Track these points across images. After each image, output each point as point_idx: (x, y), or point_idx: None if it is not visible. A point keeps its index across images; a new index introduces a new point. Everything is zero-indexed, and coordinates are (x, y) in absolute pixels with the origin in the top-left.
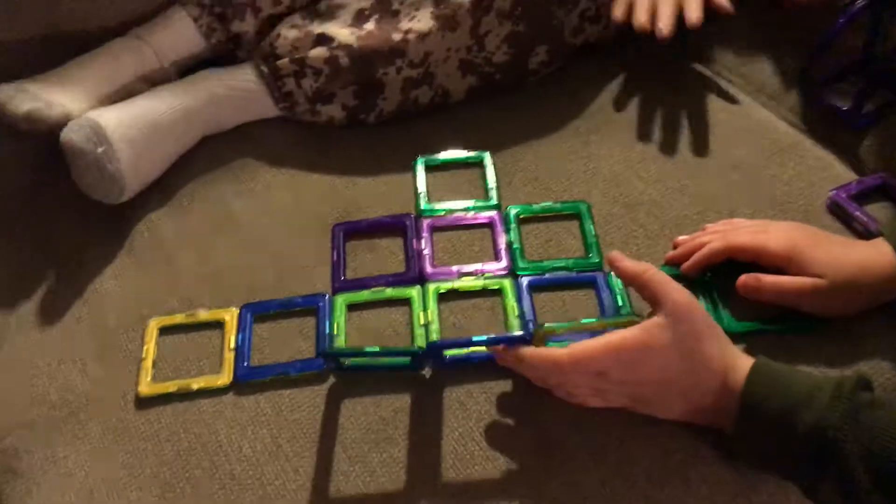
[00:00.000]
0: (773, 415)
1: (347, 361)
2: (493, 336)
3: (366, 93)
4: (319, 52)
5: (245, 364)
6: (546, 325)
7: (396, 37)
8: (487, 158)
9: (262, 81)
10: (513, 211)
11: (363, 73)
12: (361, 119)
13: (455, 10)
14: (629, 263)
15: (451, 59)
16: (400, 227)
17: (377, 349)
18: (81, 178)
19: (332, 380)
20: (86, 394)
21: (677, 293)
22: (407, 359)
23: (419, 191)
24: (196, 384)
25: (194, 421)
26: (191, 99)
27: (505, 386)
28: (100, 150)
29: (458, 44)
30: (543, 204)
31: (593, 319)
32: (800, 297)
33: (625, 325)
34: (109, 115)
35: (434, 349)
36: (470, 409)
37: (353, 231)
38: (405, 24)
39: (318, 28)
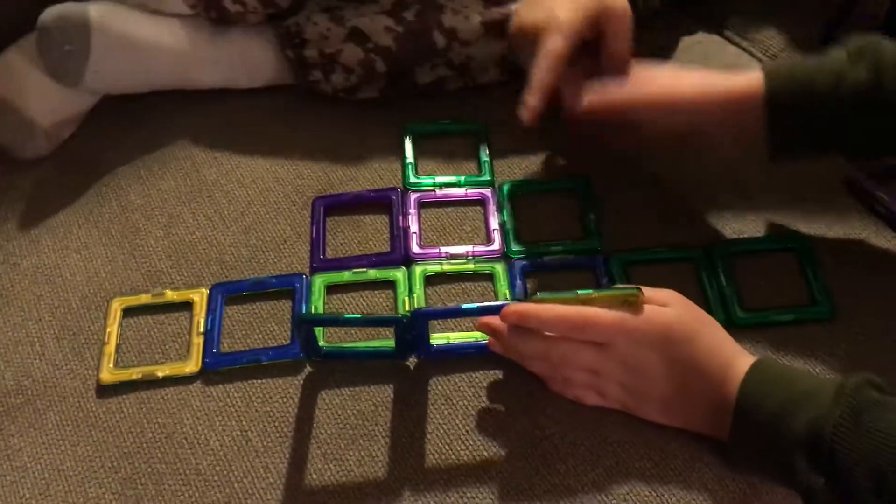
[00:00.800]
0: (770, 415)
1: (325, 346)
2: (483, 304)
3: (395, 82)
4: (354, 52)
5: (214, 350)
6: (540, 294)
7: (439, 41)
8: (482, 129)
9: (286, 61)
10: (507, 187)
11: (398, 72)
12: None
13: (506, 18)
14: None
15: (491, 60)
16: (385, 202)
17: (358, 316)
18: (46, 59)
19: (307, 369)
20: (44, 380)
21: (666, 290)
22: (391, 345)
23: (407, 162)
24: (161, 371)
25: (158, 411)
26: (200, 43)
27: (495, 379)
28: (72, 47)
29: (503, 48)
30: (540, 182)
31: (590, 290)
32: (632, 105)
33: (625, 298)
34: (106, 16)
35: (419, 317)
36: (456, 403)
37: (335, 205)
38: (449, 20)
39: (352, 19)
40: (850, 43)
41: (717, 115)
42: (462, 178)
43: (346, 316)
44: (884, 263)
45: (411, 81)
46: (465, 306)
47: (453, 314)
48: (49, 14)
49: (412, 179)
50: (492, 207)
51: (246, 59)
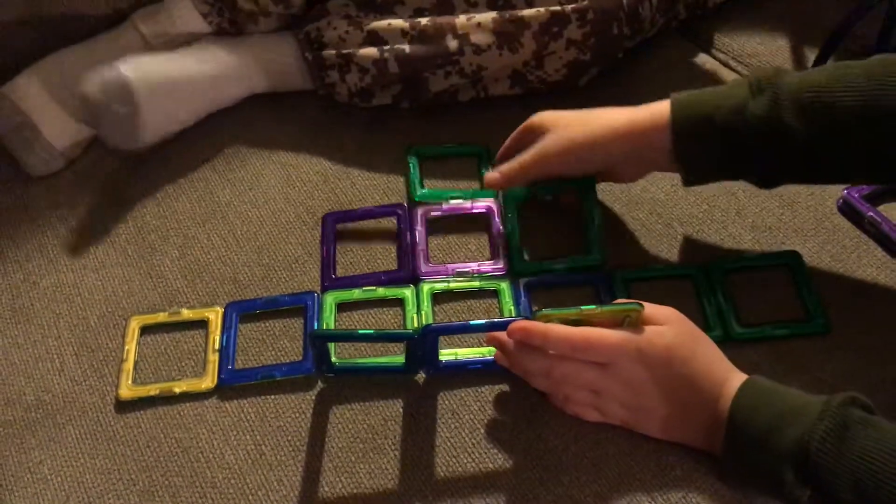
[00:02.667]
0: (760, 430)
1: (337, 362)
2: (491, 321)
3: (407, 88)
4: (369, 52)
5: (230, 366)
6: (545, 310)
7: (452, 45)
8: (483, 152)
9: (305, 64)
10: (511, 195)
11: (410, 76)
12: (397, 106)
13: (520, 31)
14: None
15: (503, 72)
16: (392, 216)
17: (371, 332)
18: (99, 127)
19: (319, 385)
20: (63, 395)
21: (668, 310)
22: (400, 361)
23: (413, 177)
24: (178, 388)
25: (175, 426)
26: (226, 61)
27: (500, 394)
28: (123, 110)
29: (515, 61)
30: (545, 185)
31: (593, 306)
32: (545, 160)
33: (626, 313)
34: (139, 69)
35: (430, 333)
36: (463, 418)
37: (344, 220)
38: (462, 22)
39: (371, 23)
40: (754, 74)
41: (624, 149)
42: (468, 192)
43: (360, 332)
44: (875, 281)
45: (425, 89)
46: (473, 322)
47: (462, 330)
48: (90, 84)
49: (419, 192)
50: (496, 220)
51: (268, 67)
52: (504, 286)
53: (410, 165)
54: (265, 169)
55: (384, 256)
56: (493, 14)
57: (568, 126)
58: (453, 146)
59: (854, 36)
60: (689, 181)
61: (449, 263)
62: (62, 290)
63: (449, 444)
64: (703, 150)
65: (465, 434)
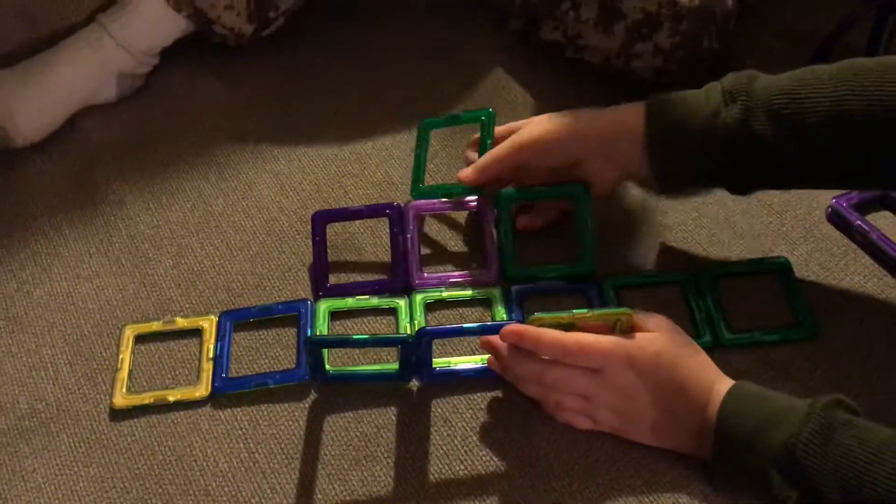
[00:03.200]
0: (747, 433)
1: (331, 369)
2: (485, 324)
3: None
4: None
5: (223, 375)
6: (537, 314)
7: (565, 4)
8: (489, 117)
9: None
10: (504, 195)
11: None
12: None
13: (615, 18)
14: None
15: (599, 52)
16: (383, 216)
17: (366, 337)
18: None
19: (312, 393)
20: (57, 404)
21: (657, 317)
22: (394, 368)
23: (419, 161)
24: (173, 396)
25: (169, 434)
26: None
27: (492, 401)
28: None
29: (608, 46)
30: (539, 188)
31: (584, 311)
32: (518, 149)
33: (617, 317)
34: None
35: (424, 336)
36: (455, 425)
37: (334, 219)
38: None
39: None
40: (727, 80)
41: (597, 144)
42: (462, 187)
43: (355, 337)
44: (863, 289)
45: (536, 33)
46: (467, 325)
47: (457, 333)
48: None
49: (418, 189)
50: (490, 223)
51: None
52: (496, 294)
53: (418, 149)
54: (258, 178)
55: (377, 265)
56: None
57: (545, 120)
58: (462, 114)
59: (844, 45)
60: (662, 189)
61: (441, 273)
62: (56, 299)
63: (441, 451)
64: (676, 157)
65: (457, 441)
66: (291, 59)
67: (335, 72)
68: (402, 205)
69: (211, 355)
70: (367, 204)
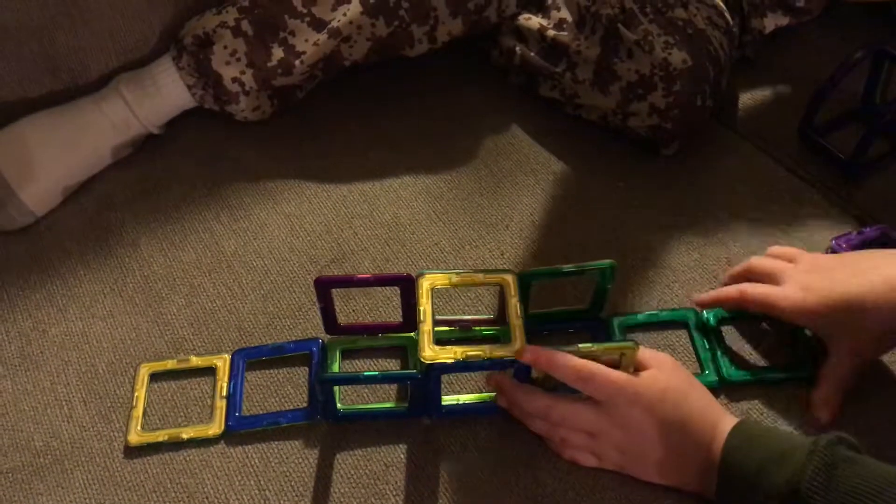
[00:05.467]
0: (751, 471)
1: (342, 408)
2: (493, 358)
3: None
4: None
5: (237, 413)
6: (544, 349)
7: (560, 65)
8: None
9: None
10: (527, 275)
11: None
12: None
13: (611, 80)
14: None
15: (595, 110)
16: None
17: (376, 374)
18: None
19: (323, 431)
20: (71, 441)
21: (662, 355)
22: (404, 407)
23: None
24: (186, 434)
25: (181, 471)
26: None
27: (499, 438)
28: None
29: (604, 104)
30: (566, 267)
31: (590, 344)
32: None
33: (622, 350)
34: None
35: (434, 371)
36: (463, 462)
37: (340, 285)
38: (573, 47)
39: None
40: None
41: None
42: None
43: (366, 374)
44: None
45: (535, 89)
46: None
47: (465, 368)
48: None
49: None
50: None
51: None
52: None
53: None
54: (269, 219)
55: (385, 306)
56: (598, 50)
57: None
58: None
59: (842, 91)
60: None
61: (453, 315)
62: (71, 338)
63: (449, 488)
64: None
65: (464, 479)
66: (302, 103)
67: (344, 116)
68: (414, 276)
69: (224, 393)
70: (376, 273)
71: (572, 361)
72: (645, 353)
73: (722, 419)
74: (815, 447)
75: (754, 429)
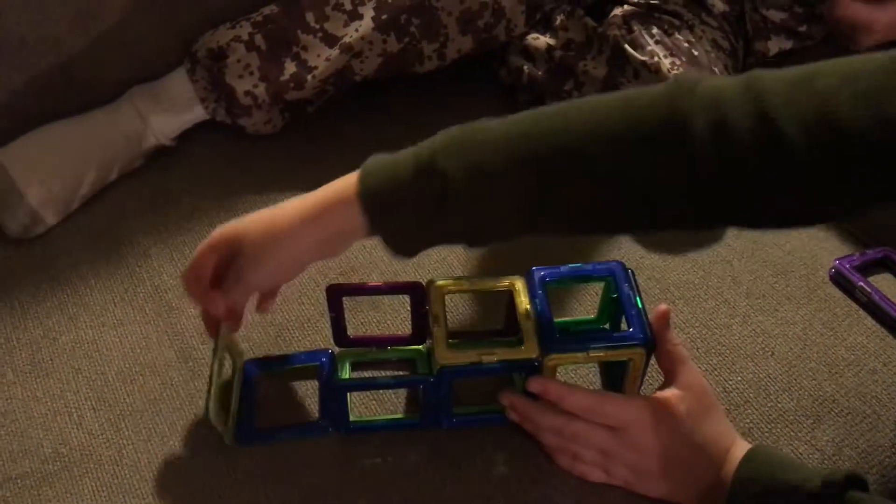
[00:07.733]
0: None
1: (354, 419)
2: (504, 361)
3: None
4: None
5: (248, 425)
6: (553, 354)
7: (568, 85)
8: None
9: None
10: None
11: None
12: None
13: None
14: (669, 330)
15: None
16: (405, 292)
17: (388, 379)
18: None
19: (333, 443)
20: (80, 448)
21: (691, 373)
22: (415, 418)
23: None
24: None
25: (190, 479)
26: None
27: (507, 451)
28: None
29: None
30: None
31: (600, 350)
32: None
33: (630, 356)
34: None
35: (445, 374)
36: (471, 474)
37: (351, 294)
38: (581, 68)
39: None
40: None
41: (318, 237)
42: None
43: (378, 380)
44: (865, 349)
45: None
46: (487, 364)
47: (477, 372)
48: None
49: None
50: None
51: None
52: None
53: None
54: None
55: (394, 319)
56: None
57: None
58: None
59: None
60: (397, 252)
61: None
62: (81, 346)
63: (457, 499)
64: (397, 219)
65: (472, 491)
66: (312, 117)
67: (353, 130)
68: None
69: (236, 405)
70: (387, 282)
71: (582, 395)
72: (683, 368)
73: (735, 443)
74: (827, 490)
75: (765, 459)
